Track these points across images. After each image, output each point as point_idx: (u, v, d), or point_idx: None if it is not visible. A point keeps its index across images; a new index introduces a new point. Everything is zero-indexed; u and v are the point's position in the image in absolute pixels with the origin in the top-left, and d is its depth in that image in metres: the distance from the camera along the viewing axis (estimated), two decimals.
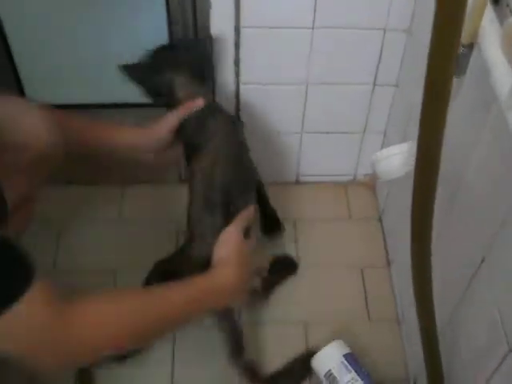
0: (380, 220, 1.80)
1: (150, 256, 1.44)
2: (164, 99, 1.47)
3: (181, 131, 1.43)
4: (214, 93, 1.61)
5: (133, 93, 1.46)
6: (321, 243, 1.74)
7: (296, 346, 1.54)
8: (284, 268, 1.68)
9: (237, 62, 1.55)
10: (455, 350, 1.17)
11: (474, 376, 1.09)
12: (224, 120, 1.45)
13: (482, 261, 1.02)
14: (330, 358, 1.45)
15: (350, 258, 1.71)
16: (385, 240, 1.75)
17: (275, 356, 1.51)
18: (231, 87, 1.61)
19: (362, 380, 1.41)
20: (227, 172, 1.36)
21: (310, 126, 1.72)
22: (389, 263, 1.70)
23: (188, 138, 1.43)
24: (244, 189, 1.42)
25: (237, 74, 1.58)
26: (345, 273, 1.68)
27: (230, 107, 1.64)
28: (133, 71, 1.45)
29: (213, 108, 1.46)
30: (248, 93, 1.62)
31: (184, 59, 1.46)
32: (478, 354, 1.09)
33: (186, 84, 1.44)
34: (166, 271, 1.43)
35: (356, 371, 1.42)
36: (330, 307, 1.59)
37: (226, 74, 1.58)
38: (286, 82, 1.60)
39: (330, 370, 1.43)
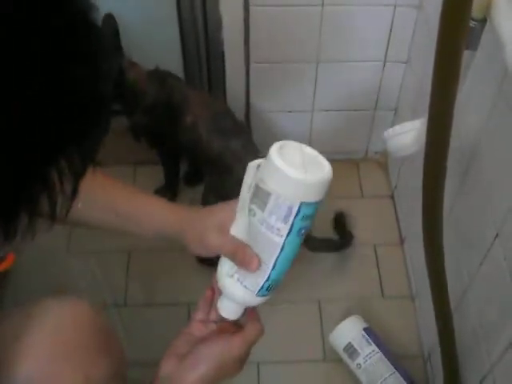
0: (392, 197, 1.80)
1: None
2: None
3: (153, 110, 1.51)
4: (224, 72, 1.61)
5: None
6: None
7: (310, 325, 1.55)
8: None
9: (246, 41, 1.54)
10: (468, 326, 1.17)
11: (486, 352, 1.09)
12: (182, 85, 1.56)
13: (496, 237, 1.02)
14: (349, 332, 1.46)
15: (363, 235, 1.71)
16: (397, 217, 1.75)
17: (290, 334, 1.53)
18: (241, 66, 1.60)
19: (383, 352, 1.42)
20: (210, 127, 1.48)
21: (320, 104, 1.71)
22: (402, 240, 1.70)
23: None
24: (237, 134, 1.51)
25: (246, 53, 1.57)
26: (358, 251, 1.68)
27: (240, 86, 1.63)
28: None
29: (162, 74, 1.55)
30: (258, 71, 1.62)
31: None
32: (489, 331, 1.09)
33: (130, 63, 1.50)
34: None
35: (376, 344, 1.43)
36: (344, 285, 1.60)
37: (235, 53, 1.57)
38: (296, 60, 1.59)
39: (350, 343, 1.44)
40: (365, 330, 1.46)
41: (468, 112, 1.11)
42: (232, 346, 0.87)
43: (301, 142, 1.90)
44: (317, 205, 0.80)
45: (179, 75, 1.60)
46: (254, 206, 0.80)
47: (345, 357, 1.45)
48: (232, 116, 1.55)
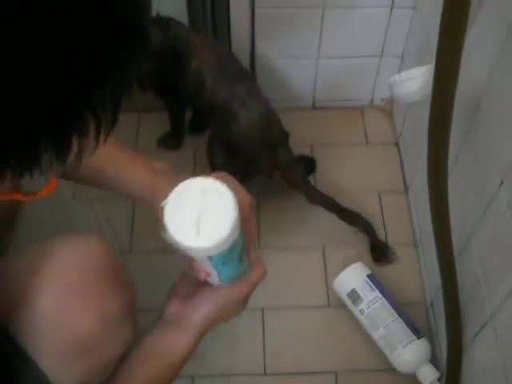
0: (397, 145, 1.79)
1: None
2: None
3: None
4: (228, 17, 1.59)
5: None
6: (338, 168, 1.74)
7: (315, 271, 1.56)
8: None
9: None
10: (470, 273, 1.18)
11: (488, 299, 1.10)
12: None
13: (501, 184, 1.02)
14: (353, 278, 1.47)
15: (368, 183, 1.71)
16: (402, 165, 1.75)
17: (295, 280, 1.54)
18: (246, 12, 1.58)
19: (386, 299, 1.44)
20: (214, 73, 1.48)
21: (326, 51, 1.69)
22: (406, 188, 1.70)
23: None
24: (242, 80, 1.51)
25: None
26: (362, 198, 1.67)
27: (245, 31, 1.62)
28: None
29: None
30: (263, 17, 1.60)
31: None
32: (491, 278, 1.09)
33: None
34: None
35: (379, 290, 1.45)
36: (348, 232, 1.60)
37: None
38: (302, 5, 1.57)
39: (354, 289, 1.45)
40: (368, 276, 1.47)
41: (476, 58, 1.10)
42: (235, 288, 0.89)
43: (306, 88, 1.89)
44: (229, 249, 0.76)
45: (183, 20, 1.59)
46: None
47: (348, 303, 1.47)
48: (236, 61, 1.54)
